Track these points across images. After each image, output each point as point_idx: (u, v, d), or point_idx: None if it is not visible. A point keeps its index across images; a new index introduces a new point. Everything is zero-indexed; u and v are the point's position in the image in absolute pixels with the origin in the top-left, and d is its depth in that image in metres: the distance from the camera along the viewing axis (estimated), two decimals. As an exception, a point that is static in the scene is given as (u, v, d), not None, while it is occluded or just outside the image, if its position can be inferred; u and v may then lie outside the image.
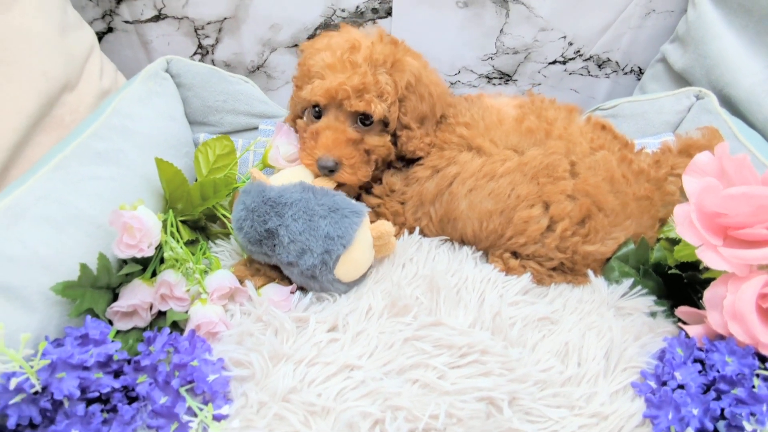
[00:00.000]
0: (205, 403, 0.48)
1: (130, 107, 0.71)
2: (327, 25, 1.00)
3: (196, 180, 0.72)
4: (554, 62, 1.05)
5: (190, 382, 0.48)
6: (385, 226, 0.59)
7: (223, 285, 0.58)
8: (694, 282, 0.58)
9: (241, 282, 0.60)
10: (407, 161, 0.67)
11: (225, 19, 1.00)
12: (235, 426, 0.48)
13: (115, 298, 0.56)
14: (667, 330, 0.58)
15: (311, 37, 1.02)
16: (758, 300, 0.48)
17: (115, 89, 0.85)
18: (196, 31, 1.01)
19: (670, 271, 0.60)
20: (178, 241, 0.60)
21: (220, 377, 0.50)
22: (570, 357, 0.54)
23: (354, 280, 0.60)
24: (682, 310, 0.57)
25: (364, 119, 0.61)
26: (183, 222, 0.65)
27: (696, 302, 0.57)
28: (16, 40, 0.70)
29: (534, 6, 0.97)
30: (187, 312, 0.57)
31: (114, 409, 0.47)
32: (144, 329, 0.56)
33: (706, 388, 0.50)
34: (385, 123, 0.62)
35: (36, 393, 0.44)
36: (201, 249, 0.64)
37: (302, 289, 0.61)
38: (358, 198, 0.69)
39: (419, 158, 0.66)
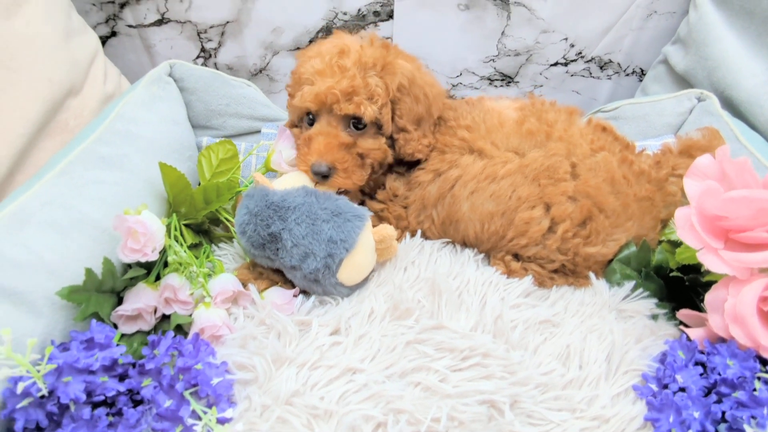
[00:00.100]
0: (209, 406, 0.49)
1: (134, 112, 0.71)
2: (329, 28, 1.01)
3: (200, 184, 0.73)
4: (556, 64, 1.05)
5: (194, 385, 0.49)
6: (387, 229, 0.59)
7: (227, 288, 0.58)
8: (695, 285, 0.58)
9: (245, 285, 0.61)
10: (408, 165, 0.67)
11: (227, 22, 1.00)
12: (238, 429, 0.48)
13: (120, 301, 0.57)
14: (669, 333, 0.58)
15: (313, 40, 1.02)
16: (759, 303, 0.49)
17: (118, 93, 0.86)
18: (198, 34, 1.02)
19: (671, 274, 0.60)
20: (181, 245, 0.61)
21: (224, 380, 0.50)
22: (571, 360, 0.54)
23: (356, 284, 0.60)
24: (684, 313, 0.57)
25: (356, 123, 0.61)
26: (186, 226, 0.65)
27: (697, 305, 0.57)
28: (21, 46, 0.71)
29: (535, 8, 0.97)
30: (191, 315, 0.57)
31: (119, 413, 0.48)
32: (148, 333, 0.56)
33: (708, 391, 0.50)
34: (378, 126, 0.62)
35: (43, 397, 0.44)
36: (204, 252, 0.64)
37: (305, 292, 0.61)
38: (362, 204, 0.69)
39: (420, 162, 0.66)
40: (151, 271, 0.59)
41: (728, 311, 0.49)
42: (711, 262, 0.50)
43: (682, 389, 0.50)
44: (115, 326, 0.55)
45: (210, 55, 1.05)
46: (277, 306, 0.58)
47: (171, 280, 0.57)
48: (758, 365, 0.48)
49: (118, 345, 0.50)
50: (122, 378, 0.49)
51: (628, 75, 1.07)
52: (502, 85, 1.09)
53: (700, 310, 0.55)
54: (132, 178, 0.64)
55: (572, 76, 1.07)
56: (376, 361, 0.53)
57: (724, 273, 0.49)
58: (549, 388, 0.52)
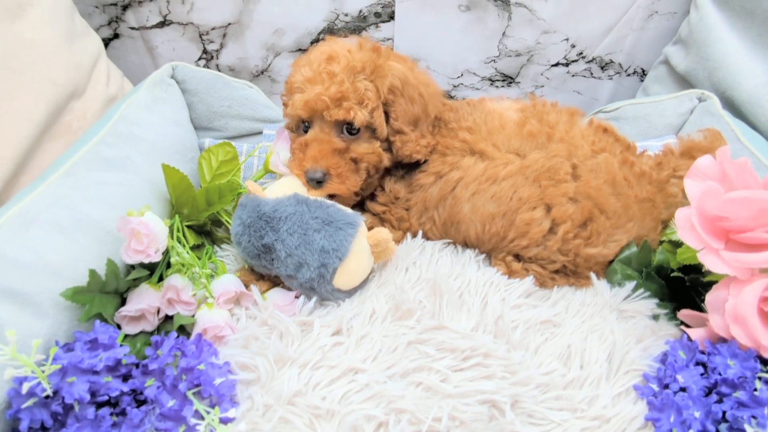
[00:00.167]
0: (212, 406, 0.49)
1: (137, 114, 0.72)
2: (330, 30, 1.01)
3: (201, 186, 0.73)
4: (557, 64, 1.05)
5: (197, 385, 0.49)
6: (382, 233, 0.59)
7: (229, 289, 0.59)
8: (696, 285, 0.58)
9: (247, 286, 0.61)
10: (407, 167, 0.67)
11: (229, 24, 1.01)
12: (241, 429, 0.48)
13: (123, 302, 0.57)
14: (670, 333, 0.58)
15: (314, 41, 1.02)
16: (760, 303, 0.49)
17: (121, 95, 0.87)
18: (200, 36, 1.02)
19: (672, 274, 0.60)
20: (184, 246, 0.61)
21: (227, 381, 0.50)
22: (572, 360, 0.55)
23: (355, 288, 0.60)
24: (685, 313, 0.57)
25: (349, 128, 0.61)
26: (189, 227, 0.65)
27: (698, 305, 0.57)
28: (25, 49, 0.71)
29: (536, 9, 0.97)
30: (193, 316, 0.57)
31: (123, 413, 0.48)
32: (151, 333, 0.57)
33: (708, 391, 0.50)
34: (372, 130, 0.62)
35: (47, 397, 0.45)
36: (207, 253, 0.65)
37: (307, 293, 0.62)
38: (362, 205, 0.69)
39: (419, 164, 0.66)
40: (154, 272, 0.60)
41: (729, 311, 0.49)
42: (712, 262, 0.50)
43: (683, 389, 0.50)
44: (119, 327, 0.56)
45: (212, 57, 1.05)
46: (279, 307, 0.58)
47: (174, 281, 0.57)
48: (759, 365, 0.49)
49: (121, 345, 0.50)
50: (126, 378, 0.50)
51: (629, 75, 1.07)
52: (503, 86, 1.10)
53: (701, 310, 0.55)
54: (135, 179, 0.65)
55: (573, 76, 1.07)
56: (378, 362, 0.53)
57: (725, 273, 0.49)
58: (550, 388, 0.52)
